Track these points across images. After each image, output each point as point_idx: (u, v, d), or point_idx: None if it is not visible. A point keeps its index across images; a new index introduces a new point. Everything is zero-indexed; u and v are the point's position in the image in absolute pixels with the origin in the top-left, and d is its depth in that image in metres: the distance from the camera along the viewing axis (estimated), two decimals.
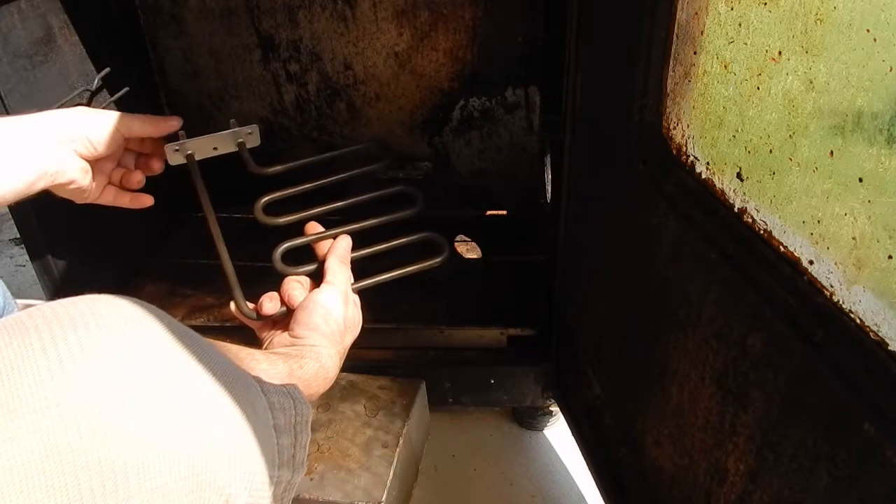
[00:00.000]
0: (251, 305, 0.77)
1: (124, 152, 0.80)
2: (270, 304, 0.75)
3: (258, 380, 0.46)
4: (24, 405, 0.30)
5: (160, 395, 0.35)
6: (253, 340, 0.76)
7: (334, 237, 0.84)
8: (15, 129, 0.69)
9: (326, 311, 0.72)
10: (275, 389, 0.47)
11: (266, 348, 0.72)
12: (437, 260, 0.85)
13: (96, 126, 0.73)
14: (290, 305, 0.74)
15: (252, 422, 0.41)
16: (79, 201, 0.77)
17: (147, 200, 0.82)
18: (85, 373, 0.32)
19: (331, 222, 0.87)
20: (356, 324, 0.77)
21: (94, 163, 0.76)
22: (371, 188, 0.94)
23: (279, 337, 0.71)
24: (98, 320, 0.35)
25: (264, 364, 0.60)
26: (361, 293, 0.81)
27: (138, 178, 0.81)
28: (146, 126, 0.78)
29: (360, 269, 0.83)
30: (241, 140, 0.89)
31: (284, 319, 0.75)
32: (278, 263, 0.82)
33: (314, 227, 0.85)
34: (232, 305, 0.78)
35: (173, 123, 0.80)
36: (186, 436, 0.35)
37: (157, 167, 0.82)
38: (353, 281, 0.81)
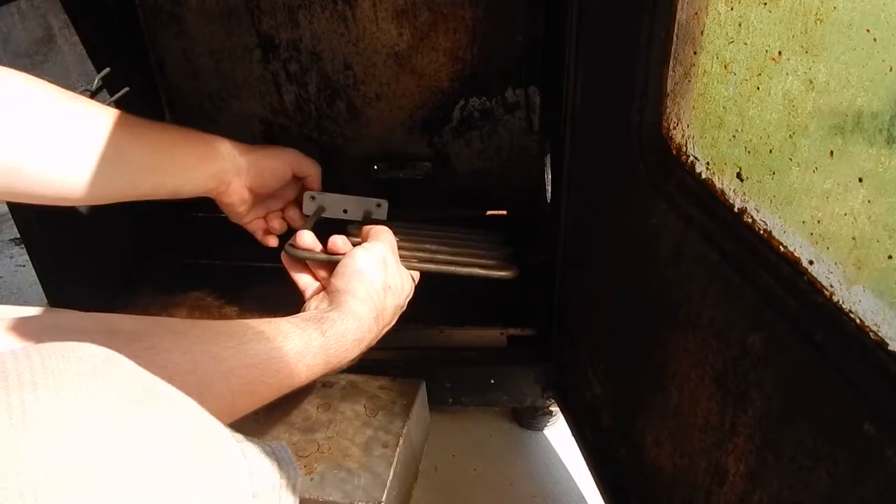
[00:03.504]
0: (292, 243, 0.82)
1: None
2: (308, 238, 0.80)
3: (240, 440, 0.44)
4: None
5: (109, 474, 0.31)
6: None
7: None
8: (219, 146, 0.81)
9: (361, 274, 0.73)
10: (256, 452, 0.44)
11: (305, 309, 0.75)
12: (504, 273, 0.86)
13: (270, 166, 0.86)
14: (329, 248, 0.78)
15: (224, 492, 0.38)
16: (231, 219, 0.91)
17: (272, 242, 0.94)
18: (23, 443, 0.29)
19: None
20: (400, 288, 0.78)
21: (263, 198, 0.90)
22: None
23: (318, 299, 0.75)
24: (48, 379, 0.32)
25: (281, 339, 0.60)
26: None
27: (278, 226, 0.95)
28: (313, 167, 0.93)
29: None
30: (368, 209, 0.97)
31: (325, 268, 0.78)
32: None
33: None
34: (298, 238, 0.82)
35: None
36: None
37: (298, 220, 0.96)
38: (399, 248, 0.84)
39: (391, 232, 0.82)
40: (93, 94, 1.03)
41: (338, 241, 0.78)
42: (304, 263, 0.80)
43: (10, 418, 0.29)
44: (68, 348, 0.34)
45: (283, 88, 1.21)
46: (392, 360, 1.03)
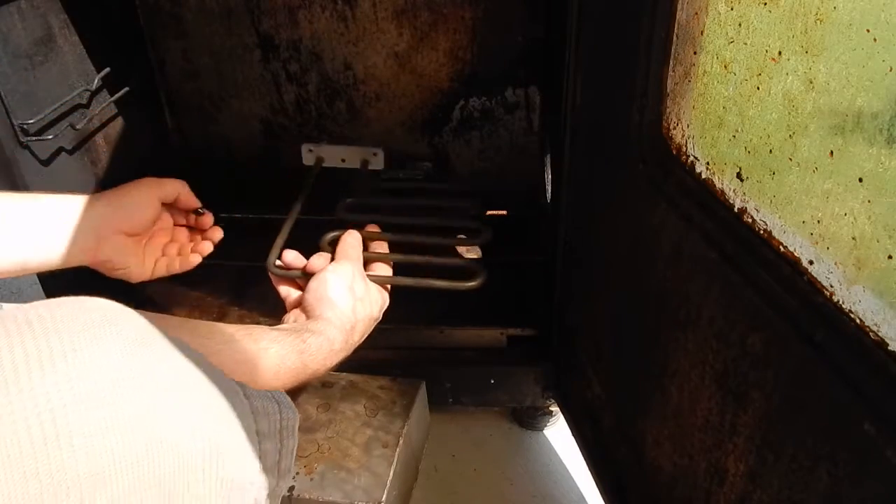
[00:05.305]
0: (278, 262, 0.84)
1: (175, 228, 0.84)
2: (292, 256, 0.83)
3: (241, 385, 0.45)
4: None
5: (123, 405, 0.33)
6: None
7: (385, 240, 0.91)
8: (74, 210, 0.71)
9: (327, 286, 0.76)
10: (258, 394, 0.46)
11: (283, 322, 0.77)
12: (470, 284, 0.87)
13: (132, 203, 0.76)
14: (308, 268, 0.81)
15: (229, 428, 0.40)
16: (133, 280, 0.79)
17: (195, 260, 0.84)
18: (41, 381, 0.31)
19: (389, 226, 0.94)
20: (372, 299, 0.80)
21: (147, 240, 0.80)
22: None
23: (295, 314, 0.76)
24: (61, 325, 0.34)
25: (265, 342, 0.61)
26: None
27: (195, 252, 0.84)
28: (177, 185, 0.81)
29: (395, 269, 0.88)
30: (365, 158, 0.99)
31: (306, 282, 0.80)
32: (324, 248, 0.89)
33: (372, 228, 0.93)
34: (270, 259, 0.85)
35: (202, 212, 0.85)
36: (152, 445, 0.34)
37: (216, 237, 0.85)
38: (367, 265, 0.86)
39: (359, 248, 0.85)
40: (93, 94, 1.03)
41: (316, 263, 0.81)
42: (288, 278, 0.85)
43: (27, 358, 0.31)
44: (80, 300, 0.37)
45: (283, 88, 1.21)
46: (392, 360, 1.03)
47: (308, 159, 0.98)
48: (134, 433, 0.33)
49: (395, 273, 0.87)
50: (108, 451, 0.32)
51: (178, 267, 0.82)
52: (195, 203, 0.83)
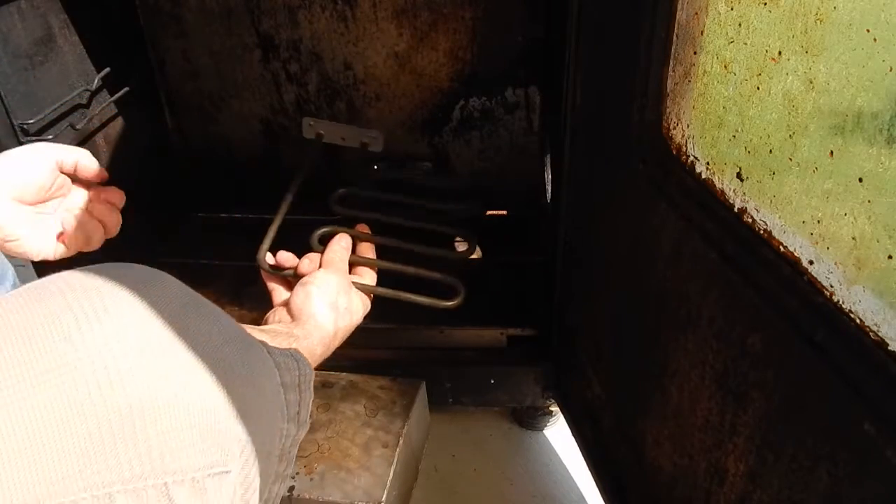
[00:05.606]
0: (270, 262, 0.86)
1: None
2: (284, 257, 0.84)
3: (263, 343, 0.49)
4: (47, 360, 0.33)
5: (179, 353, 0.37)
6: None
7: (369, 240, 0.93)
8: None
9: (311, 301, 0.77)
10: (279, 351, 0.50)
11: (266, 321, 0.79)
12: (448, 304, 0.89)
13: (30, 164, 0.69)
14: (298, 270, 0.83)
15: (262, 378, 0.44)
16: (33, 257, 0.72)
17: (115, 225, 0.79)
18: (102, 333, 0.35)
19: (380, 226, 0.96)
20: (353, 309, 0.82)
21: (56, 215, 0.73)
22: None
23: (280, 313, 0.78)
24: (114, 284, 0.37)
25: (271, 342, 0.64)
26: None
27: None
28: (78, 152, 0.73)
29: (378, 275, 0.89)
30: (364, 140, 1.01)
31: (292, 283, 0.83)
32: (314, 244, 0.91)
33: (362, 228, 0.95)
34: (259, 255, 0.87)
35: (103, 175, 0.76)
36: (207, 388, 0.38)
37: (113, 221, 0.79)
38: (353, 275, 0.87)
39: (347, 255, 0.87)
40: (93, 94, 1.03)
41: (305, 266, 0.84)
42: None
43: (93, 314, 0.35)
44: (125, 264, 0.40)
45: (283, 88, 1.21)
46: (392, 360, 1.03)
47: (308, 133, 1.00)
48: (191, 380, 0.37)
49: (379, 276, 0.88)
50: (171, 394, 0.36)
51: (82, 248, 0.76)
52: (95, 170, 0.74)
